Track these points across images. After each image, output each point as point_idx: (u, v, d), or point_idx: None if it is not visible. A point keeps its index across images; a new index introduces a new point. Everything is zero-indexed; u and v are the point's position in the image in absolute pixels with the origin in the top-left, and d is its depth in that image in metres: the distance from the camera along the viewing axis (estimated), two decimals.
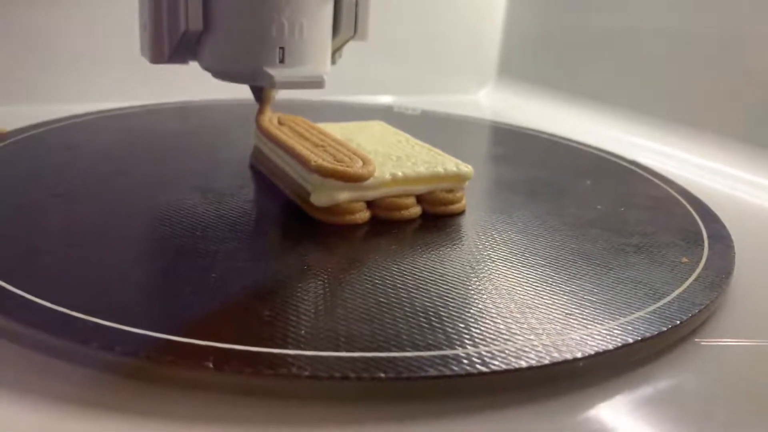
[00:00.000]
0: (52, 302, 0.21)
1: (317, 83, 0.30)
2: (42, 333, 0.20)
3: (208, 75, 0.33)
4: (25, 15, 0.49)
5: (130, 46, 0.53)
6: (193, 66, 0.34)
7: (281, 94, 0.34)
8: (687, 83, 0.51)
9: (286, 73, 0.30)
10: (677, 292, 0.26)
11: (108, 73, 0.52)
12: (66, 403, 0.19)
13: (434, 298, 0.24)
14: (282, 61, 0.30)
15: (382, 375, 0.19)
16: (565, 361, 0.21)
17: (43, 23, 0.50)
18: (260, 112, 0.37)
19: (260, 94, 0.35)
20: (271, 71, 0.30)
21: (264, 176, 0.35)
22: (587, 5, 0.60)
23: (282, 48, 0.30)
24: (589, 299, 0.25)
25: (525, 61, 0.68)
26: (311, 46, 0.31)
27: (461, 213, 0.33)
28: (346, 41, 0.34)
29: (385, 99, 0.64)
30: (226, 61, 0.31)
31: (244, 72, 0.31)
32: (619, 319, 0.24)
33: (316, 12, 0.31)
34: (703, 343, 0.24)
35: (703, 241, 0.31)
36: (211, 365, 0.19)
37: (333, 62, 0.35)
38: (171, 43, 0.31)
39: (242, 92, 0.41)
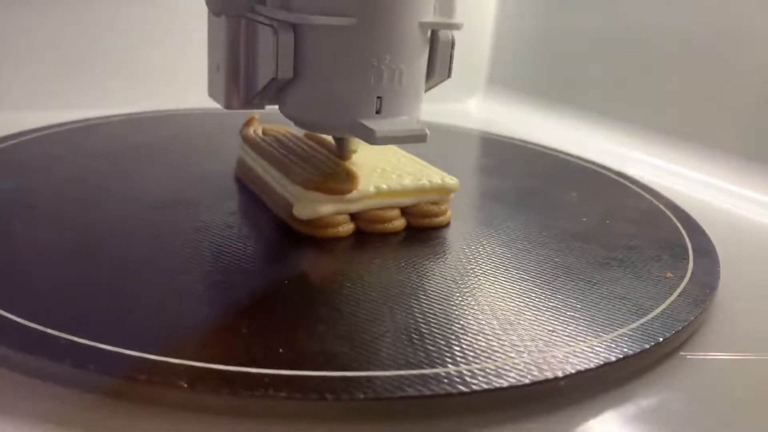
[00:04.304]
0: (24, 318, 0.21)
1: (420, 137, 0.27)
2: (13, 350, 0.20)
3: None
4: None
5: (110, 53, 0.52)
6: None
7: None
8: (675, 94, 0.51)
9: (386, 127, 0.26)
10: (661, 308, 0.26)
11: (88, 81, 0.52)
12: (39, 422, 0.18)
13: (416, 315, 0.24)
14: (379, 111, 0.27)
15: (361, 395, 0.19)
16: (546, 380, 0.20)
17: (16, 28, 0.49)
18: (247, 124, 0.36)
19: (344, 144, 0.32)
20: (369, 124, 0.26)
21: (248, 188, 0.35)
22: (577, 15, 0.60)
23: (380, 97, 0.27)
24: (573, 315, 0.25)
25: (515, 70, 0.68)
26: (409, 94, 0.28)
27: (446, 225, 0.32)
28: (437, 84, 0.31)
29: None
30: (317, 112, 0.28)
31: (337, 124, 0.28)
32: (602, 336, 0.23)
33: (416, 56, 0.28)
34: (688, 357, 0.24)
35: (688, 255, 0.31)
36: (185, 384, 0.19)
37: None
38: (249, 90, 0.29)
39: None
